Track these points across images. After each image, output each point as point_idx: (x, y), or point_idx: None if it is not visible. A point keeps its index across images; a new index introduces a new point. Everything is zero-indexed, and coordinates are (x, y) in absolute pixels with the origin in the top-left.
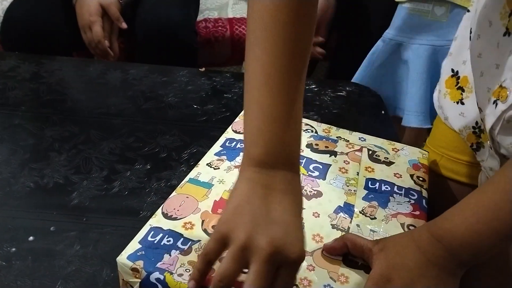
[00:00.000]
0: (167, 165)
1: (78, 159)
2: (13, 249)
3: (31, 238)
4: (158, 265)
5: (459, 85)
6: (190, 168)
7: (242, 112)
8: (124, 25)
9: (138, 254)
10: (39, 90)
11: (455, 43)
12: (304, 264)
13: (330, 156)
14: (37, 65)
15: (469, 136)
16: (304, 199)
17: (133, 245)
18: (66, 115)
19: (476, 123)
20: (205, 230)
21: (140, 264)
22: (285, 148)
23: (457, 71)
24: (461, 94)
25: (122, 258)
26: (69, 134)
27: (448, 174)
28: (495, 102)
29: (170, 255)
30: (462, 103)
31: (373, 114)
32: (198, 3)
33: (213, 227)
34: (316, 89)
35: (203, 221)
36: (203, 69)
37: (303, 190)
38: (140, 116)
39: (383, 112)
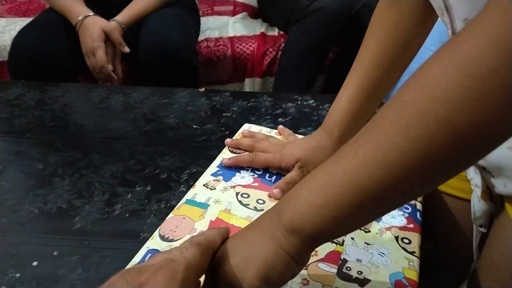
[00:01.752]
0: (167, 186)
1: (80, 184)
2: (18, 274)
3: (35, 263)
4: None
5: None
6: (189, 188)
7: (239, 131)
8: (126, 49)
9: None
10: (43, 117)
11: None
12: (299, 278)
13: None
14: (41, 92)
15: None
16: None
17: (135, 261)
18: (69, 141)
19: None
20: None
21: None
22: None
23: None
24: None
25: None
26: (72, 159)
27: (442, 188)
28: None
29: None
30: None
31: None
32: (199, 24)
33: None
34: (314, 104)
35: None
36: (203, 89)
37: None
38: (141, 138)
39: None
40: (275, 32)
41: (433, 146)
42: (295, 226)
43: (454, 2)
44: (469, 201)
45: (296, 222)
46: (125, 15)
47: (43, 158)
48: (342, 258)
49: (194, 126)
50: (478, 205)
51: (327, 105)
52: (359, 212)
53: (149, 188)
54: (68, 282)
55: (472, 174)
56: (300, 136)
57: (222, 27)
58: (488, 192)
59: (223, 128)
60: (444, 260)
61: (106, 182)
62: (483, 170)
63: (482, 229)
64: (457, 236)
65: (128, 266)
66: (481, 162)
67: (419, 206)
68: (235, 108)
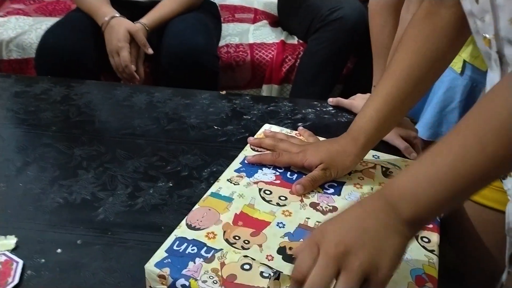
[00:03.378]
0: (188, 183)
1: (104, 177)
2: (43, 260)
3: (59, 250)
4: (184, 272)
5: None
6: (210, 186)
7: (260, 131)
8: (150, 51)
9: (164, 262)
10: (69, 112)
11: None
12: None
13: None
14: (67, 88)
15: None
16: (319, 214)
17: (160, 254)
18: (94, 135)
19: None
20: (226, 240)
21: (166, 271)
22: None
23: None
24: None
25: (150, 265)
26: (97, 153)
27: (474, 198)
28: None
29: (194, 263)
30: None
31: None
32: (220, 30)
33: (234, 237)
34: (333, 111)
35: (224, 232)
36: (224, 92)
37: (319, 207)
38: (163, 136)
39: None
40: (294, 40)
41: None
42: (420, 219)
43: (502, 1)
44: (500, 211)
45: (421, 216)
46: (150, 18)
47: (68, 151)
48: None
49: (215, 127)
50: None
51: (345, 113)
52: (468, 194)
53: (171, 184)
54: (91, 270)
55: (510, 184)
56: (321, 138)
57: (242, 34)
58: None
59: (243, 130)
60: (465, 269)
61: (130, 177)
62: None
63: None
64: (484, 246)
65: (157, 253)
66: None
67: None
68: (255, 112)
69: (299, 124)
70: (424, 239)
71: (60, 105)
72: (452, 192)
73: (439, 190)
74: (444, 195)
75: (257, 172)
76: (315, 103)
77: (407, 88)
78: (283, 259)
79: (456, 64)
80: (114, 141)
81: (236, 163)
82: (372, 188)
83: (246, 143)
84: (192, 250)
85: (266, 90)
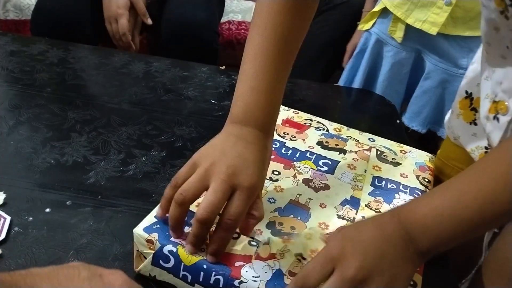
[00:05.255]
0: (181, 154)
1: (97, 141)
2: (30, 218)
3: (47, 210)
4: (172, 238)
5: (472, 106)
6: None
7: None
8: (149, 21)
9: (153, 227)
10: (65, 75)
11: (471, 67)
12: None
13: (339, 154)
14: (65, 51)
15: (481, 156)
16: (312, 190)
17: (149, 219)
18: (89, 100)
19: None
20: None
21: (155, 236)
22: (259, 112)
23: (471, 93)
24: (474, 115)
25: (139, 229)
26: (91, 118)
27: None
28: (495, 117)
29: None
30: (475, 124)
31: (387, 123)
32: (223, 5)
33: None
34: (331, 95)
35: None
36: (223, 67)
37: (312, 183)
38: (159, 106)
39: (398, 121)
40: None
41: None
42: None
43: None
44: None
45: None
46: None
47: (62, 113)
48: None
49: (212, 101)
50: None
51: (344, 97)
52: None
53: (164, 154)
54: (78, 231)
55: None
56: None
57: (246, 12)
58: None
59: None
60: (443, 255)
61: (123, 143)
62: None
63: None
64: None
65: (146, 218)
66: None
67: None
68: None
69: (297, 105)
70: None
71: (56, 67)
72: (475, 229)
73: (464, 229)
74: (466, 233)
75: None
76: (314, 85)
77: (270, 46)
78: (272, 233)
79: (396, 33)
80: (109, 107)
81: None
82: (365, 170)
83: None
84: None
85: None
